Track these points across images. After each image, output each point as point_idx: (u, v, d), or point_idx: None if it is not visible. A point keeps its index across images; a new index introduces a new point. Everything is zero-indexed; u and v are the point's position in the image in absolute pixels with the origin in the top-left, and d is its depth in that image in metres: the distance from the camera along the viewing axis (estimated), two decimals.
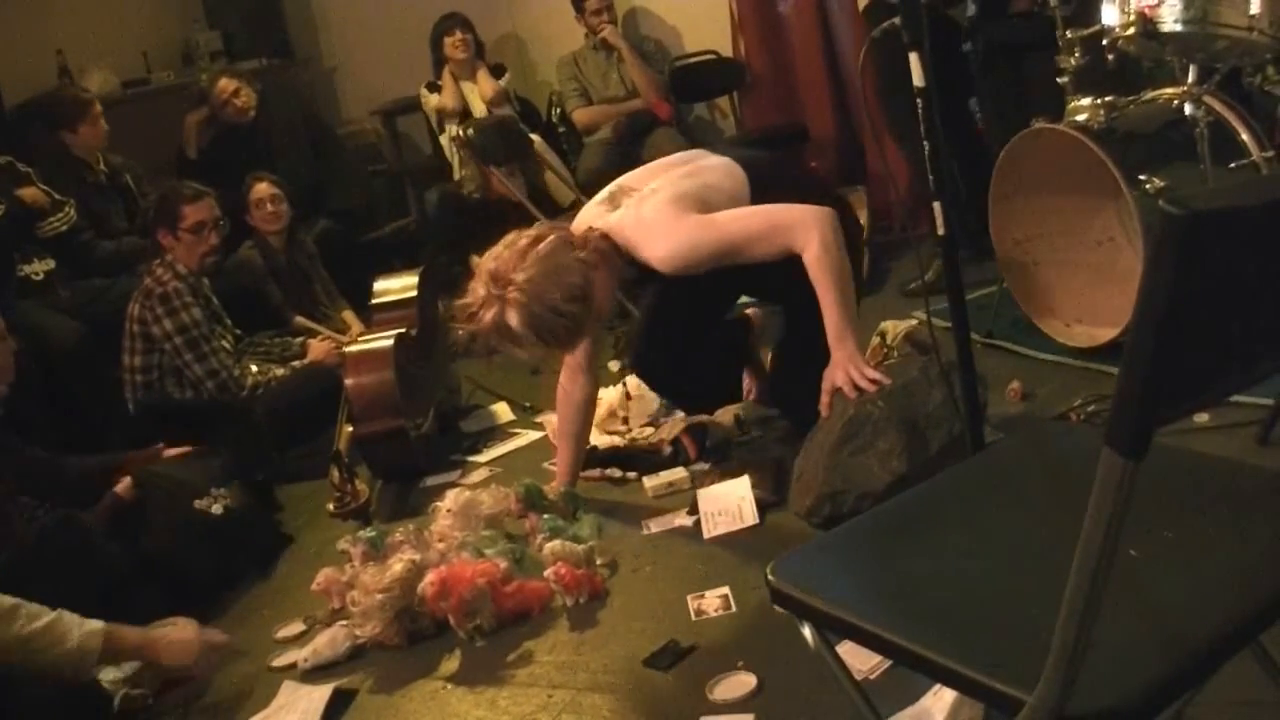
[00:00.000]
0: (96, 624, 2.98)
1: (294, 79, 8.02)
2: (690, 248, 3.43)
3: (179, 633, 3.18)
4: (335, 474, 4.03)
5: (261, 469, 4.59)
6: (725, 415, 4.11)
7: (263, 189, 5.67)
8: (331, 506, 4.03)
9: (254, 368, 5.00)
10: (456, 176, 6.73)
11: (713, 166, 3.72)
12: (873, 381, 3.29)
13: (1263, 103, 4.11)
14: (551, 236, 3.41)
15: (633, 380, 4.50)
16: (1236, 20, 3.72)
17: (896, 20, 2.70)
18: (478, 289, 3.33)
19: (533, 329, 3.29)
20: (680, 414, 4.26)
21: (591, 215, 3.65)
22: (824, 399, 3.36)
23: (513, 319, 3.27)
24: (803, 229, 3.36)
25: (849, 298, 3.38)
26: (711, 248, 3.42)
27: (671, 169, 3.73)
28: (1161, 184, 3.82)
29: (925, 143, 2.73)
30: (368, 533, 3.63)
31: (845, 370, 3.32)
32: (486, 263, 3.36)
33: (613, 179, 3.87)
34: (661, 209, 3.50)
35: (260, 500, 4.40)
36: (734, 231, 3.42)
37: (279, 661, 3.39)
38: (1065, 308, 4.25)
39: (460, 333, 3.39)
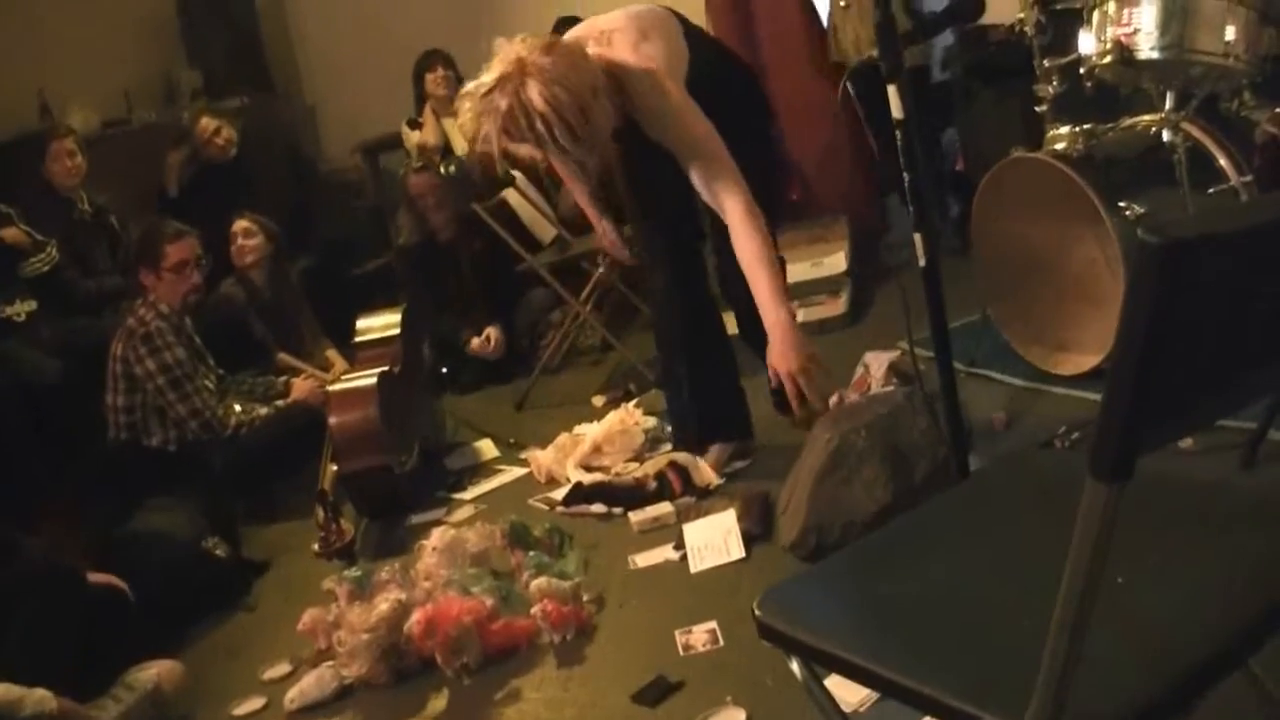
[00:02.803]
0: (43, 693, 3.02)
1: (275, 116, 8.03)
2: (673, 117, 3.52)
3: None
4: (320, 513, 4.02)
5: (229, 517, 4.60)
6: (708, 464, 4.09)
7: (237, 225, 5.66)
8: (316, 546, 4.01)
9: (237, 407, 4.97)
10: None
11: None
12: (811, 358, 3.30)
13: (1240, 127, 4.13)
14: (569, 39, 3.47)
15: (618, 415, 4.50)
16: (1212, 46, 3.75)
17: (874, 53, 2.72)
18: (495, 68, 3.32)
19: (552, 108, 3.27)
20: (665, 448, 4.27)
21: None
22: (788, 387, 3.34)
23: (533, 93, 3.25)
24: (737, 185, 3.43)
25: (777, 265, 3.45)
26: (676, 130, 3.52)
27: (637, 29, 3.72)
28: (1141, 210, 3.84)
29: (905, 174, 2.75)
30: (353, 572, 3.61)
31: (784, 352, 3.32)
32: (508, 49, 3.35)
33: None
34: (655, 63, 3.58)
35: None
36: (697, 136, 3.50)
37: (240, 710, 3.39)
38: (1048, 335, 4.25)
39: (465, 116, 3.38)
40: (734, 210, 3.40)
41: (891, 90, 2.74)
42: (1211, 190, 3.86)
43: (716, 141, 3.48)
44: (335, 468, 4.38)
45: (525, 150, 3.48)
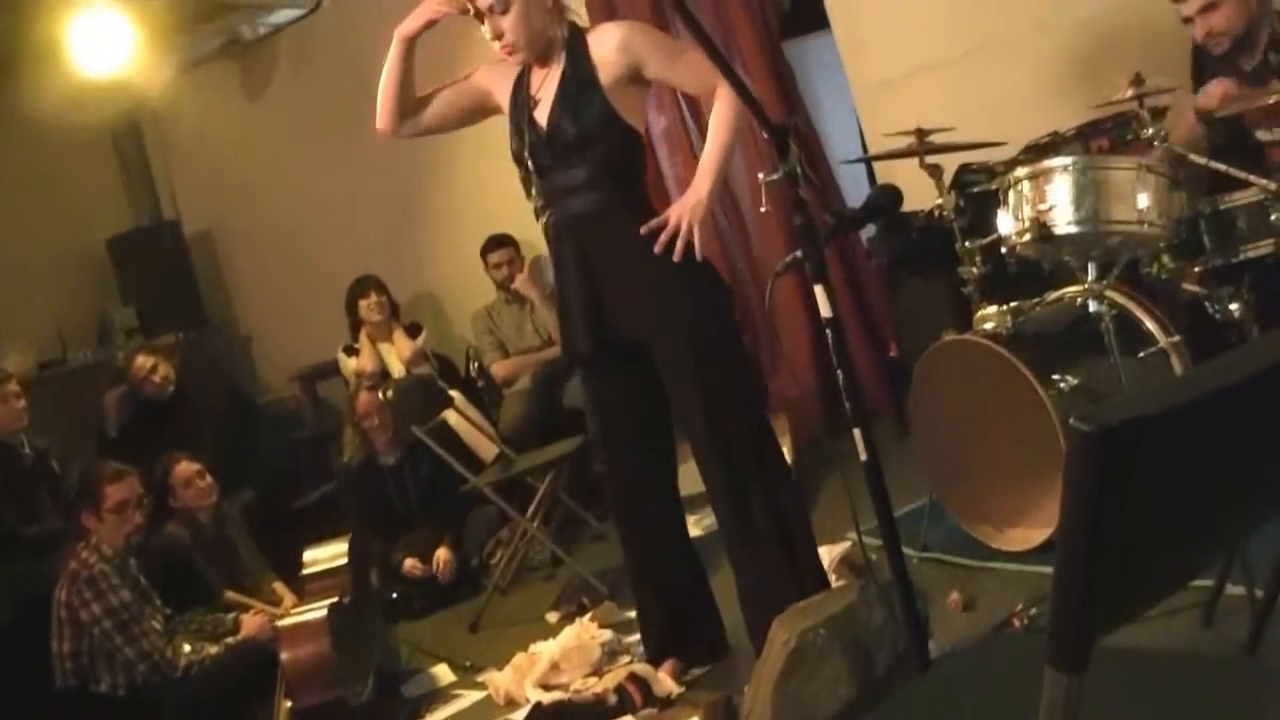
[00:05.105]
0: None
1: (211, 350, 8.06)
2: (640, 28, 3.71)
3: None
4: None
5: None
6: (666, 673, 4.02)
7: (186, 468, 5.61)
8: None
9: (186, 647, 4.87)
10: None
11: None
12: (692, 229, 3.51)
13: (1165, 289, 4.21)
14: None
15: (573, 630, 4.43)
16: (1126, 215, 3.84)
17: (799, 254, 2.76)
18: None
19: None
20: (623, 660, 4.20)
21: None
22: (678, 226, 3.54)
23: None
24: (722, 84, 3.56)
25: (735, 142, 3.63)
26: (653, 41, 3.66)
27: None
28: (1075, 381, 3.89)
29: (839, 371, 2.76)
30: None
31: (689, 214, 3.52)
32: None
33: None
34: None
35: None
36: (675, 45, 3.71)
37: None
38: (996, 512, 4.25)
39: None
40: (723, 92, 3.55)
41: (818, 290, 2.77)
42: (1142, 354, 3.93)
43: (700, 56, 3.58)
44: (289, 704, 4.29)
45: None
